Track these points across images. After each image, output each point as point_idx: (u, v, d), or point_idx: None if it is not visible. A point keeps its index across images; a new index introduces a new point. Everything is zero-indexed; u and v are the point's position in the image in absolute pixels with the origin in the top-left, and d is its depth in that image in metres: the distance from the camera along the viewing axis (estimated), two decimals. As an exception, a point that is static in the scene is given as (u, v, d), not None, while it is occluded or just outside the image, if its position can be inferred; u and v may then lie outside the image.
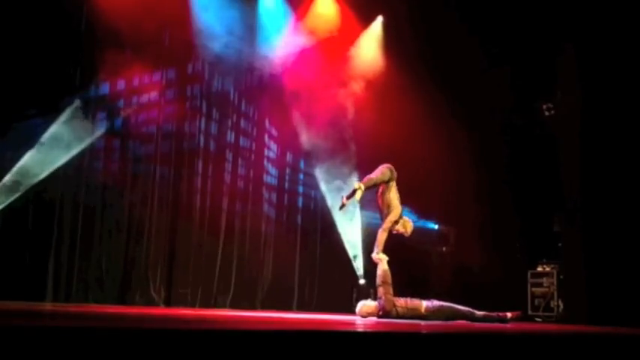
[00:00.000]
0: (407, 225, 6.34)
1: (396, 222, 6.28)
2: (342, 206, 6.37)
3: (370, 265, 8.73)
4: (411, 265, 6.80)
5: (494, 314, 5.90)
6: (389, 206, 6.28)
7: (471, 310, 5.99)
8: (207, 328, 3.00)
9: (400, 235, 6.39)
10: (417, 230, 6.63)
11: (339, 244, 9.77)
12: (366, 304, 6.20)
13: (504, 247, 9.46)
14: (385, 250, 6.24)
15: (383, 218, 6.35)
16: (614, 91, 7.80)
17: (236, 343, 2.46)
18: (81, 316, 4.02)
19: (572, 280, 8.34)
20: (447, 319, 5.88)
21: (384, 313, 5.99)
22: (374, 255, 6.23)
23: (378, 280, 6.12)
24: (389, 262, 6.16)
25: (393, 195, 6.31)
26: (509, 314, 5.89)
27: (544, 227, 9.14)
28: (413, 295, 6.16)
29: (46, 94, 7.23)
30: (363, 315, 6.13)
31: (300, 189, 9.99)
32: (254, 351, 2.44)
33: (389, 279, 6.10)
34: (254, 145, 9.52)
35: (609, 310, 7.16)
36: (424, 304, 6.01)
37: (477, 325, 5.58)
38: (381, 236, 6.22)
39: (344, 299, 9.38)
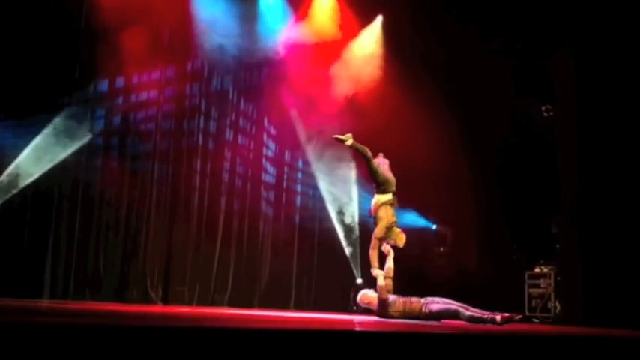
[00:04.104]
0: (399, 238, 6.30)
1: (385, 237, 6.28)
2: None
3: (366, 265, 8.75)
4: (409, 265, 6.82)
5: (486, 316, 5.81)
6: (376, 222, 6.34)
7: (466, 306, 5.94)
8: (204, 326, 3.00)
9: (394, 247, 6.38)
10: (414, 231, 6.63)
11: (336, 244, 9.77)
12: (367, 294, 6.23)
13: (502, 248, 9.46)
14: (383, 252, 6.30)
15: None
16: (612, 93, 7.80)
17: (233, 342, 2.47)
18: (78, 313, 4.02)
19: (569, 281, 8.35)
20: (444, 318, 5.88)
21: (380, 305, 6.02)
22: (372, 271, 6.30)
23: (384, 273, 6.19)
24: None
25: (382, 210, 6.32)
26: (497, 317, 5.72)
27: (542, 229, 9.14)
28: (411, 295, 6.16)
29: (45, 91, 7.22)
30: (365, 302, 6.16)
31: (299, 188, 9.99)
32: (252, 349, 2.45)
33: (391, 273, 6.17)
34: (252, 143, 9.52)
35: (605, 312, 7.16)
36: (422, 302, 6.00)
37: (475, 325, 5.58)
38: (372, 254, 6.29)
39: (341, 298, 9.38)
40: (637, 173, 7.60)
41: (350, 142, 6.38)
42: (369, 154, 6.48)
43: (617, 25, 7.73)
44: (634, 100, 7.67)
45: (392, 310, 6.02)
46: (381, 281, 6.13)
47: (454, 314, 5.90)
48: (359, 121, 9.52)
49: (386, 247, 6.29)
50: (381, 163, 6.54)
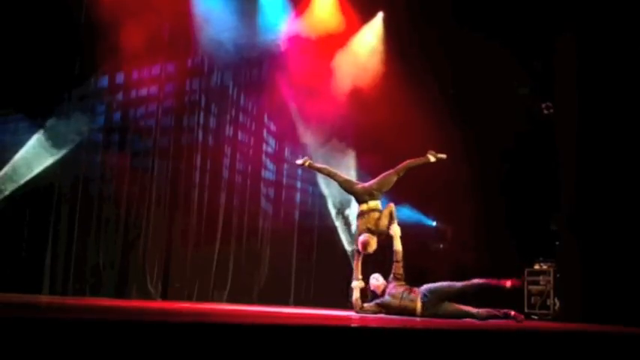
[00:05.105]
0: (367, 245, 6.13)
1: (364, 248, 6.20)
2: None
3: (366, 263, 8.75)
4: (408, 262, 6.83)
5: (501, 313, 5.78)
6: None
7: (464, 308, 5.92)
8: (203, 321, 2.99)
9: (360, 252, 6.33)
10: (414, 226, 6.62)
11: (336, 240, 9.77)
12: (379, 280, 6.21)
13: (501, 245, 9.45)
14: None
15: None
16: (613, 90, 7.78)
17: (233, 337, 2.46)
18: (77, 308, 4.02)
19: (568, 278, 8.34)
20: (441, 315, 5.86)
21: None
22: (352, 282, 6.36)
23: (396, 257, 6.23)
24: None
25: (359, 221, 6.32)
26: (518, 318, 5.69)
27: (542, 226, 9.13)
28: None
29: (44, 87, 7.21)
30: (373, 287, 6.17)
31: (298, 184, 9.99)
32: (251, 345, 2.45)
33: (399, 256, 6.18)
34: (252, 139, 9.51)
35: (605, 309, 7.16)
36: (420, 303, 5.96)
37: (474, 323, 5.57)
38: (355, 264, 6.32)
39: (340, 295, 9.37)
40: (637, 171, 7.59)
41: (307, 163, 6.74)
42: (326, 170, 6.77)
43: (622, 18, 7.70)
44: (636, 97, 7.65)
45: (384, 311, 6.02)
46: (355, 295, 6.17)
47: (465, 317, 5.81)
48: (359, 115, 9.54)
49: (392, 229, 6.23)
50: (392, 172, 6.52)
